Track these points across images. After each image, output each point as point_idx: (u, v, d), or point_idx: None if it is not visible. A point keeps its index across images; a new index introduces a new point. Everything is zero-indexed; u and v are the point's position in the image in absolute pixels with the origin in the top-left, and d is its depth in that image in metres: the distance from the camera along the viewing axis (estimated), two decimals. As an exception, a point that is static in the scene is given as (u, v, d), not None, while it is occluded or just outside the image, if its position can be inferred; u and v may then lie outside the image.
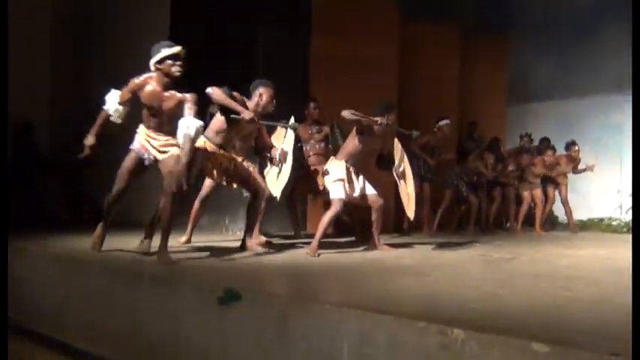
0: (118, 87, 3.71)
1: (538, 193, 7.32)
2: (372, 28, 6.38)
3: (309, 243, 4.31)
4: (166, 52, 3.56)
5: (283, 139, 4.48)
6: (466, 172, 6.88)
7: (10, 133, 5.29)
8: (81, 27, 7.29)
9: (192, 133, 3.49)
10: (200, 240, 4.73)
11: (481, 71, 8.05)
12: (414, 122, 6.18)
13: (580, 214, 7.74)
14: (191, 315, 2.79)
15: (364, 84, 5.90)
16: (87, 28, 7.33)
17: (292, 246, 4.75)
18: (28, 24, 6.42)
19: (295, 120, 4.37)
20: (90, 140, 3.71)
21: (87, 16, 7.36)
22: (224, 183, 4.30)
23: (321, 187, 4.89)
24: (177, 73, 3.58)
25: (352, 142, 4.36)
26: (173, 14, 6.57)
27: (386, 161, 4.51)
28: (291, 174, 4.46)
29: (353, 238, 5.19)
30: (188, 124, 3.50)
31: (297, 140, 5.01)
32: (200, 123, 3.57)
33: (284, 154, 4.26)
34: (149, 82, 3.61)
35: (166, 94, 3.61)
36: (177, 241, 4.42)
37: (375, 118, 4.25)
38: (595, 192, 7.88)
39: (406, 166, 4.49)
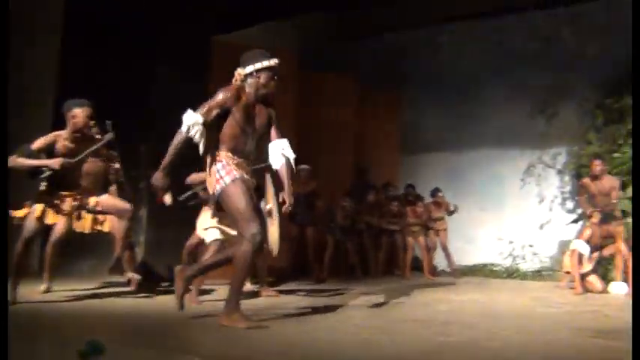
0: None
1: (421, 239, 7.60)
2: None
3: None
4: (266, 63, 3.18)
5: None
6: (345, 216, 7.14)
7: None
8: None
9: None
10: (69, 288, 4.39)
11: (376, 122, 8.47)
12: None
13: (466, 260, 8.09)
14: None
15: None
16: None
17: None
18: None
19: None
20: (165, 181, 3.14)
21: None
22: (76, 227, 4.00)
23: None
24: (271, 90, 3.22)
25: None
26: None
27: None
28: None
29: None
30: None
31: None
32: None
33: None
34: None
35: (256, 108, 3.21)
36: (35, 291, 4.09)
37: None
38: (479, 239, 8.29)
39: (274, 205, 4.31)
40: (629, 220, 6.39)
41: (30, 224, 3.72)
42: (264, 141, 3.29)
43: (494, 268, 7.98)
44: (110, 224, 4.08)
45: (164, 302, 4.04)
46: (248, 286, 4.73)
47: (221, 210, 3.22)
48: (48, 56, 5.87)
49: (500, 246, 8.16)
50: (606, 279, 5.95)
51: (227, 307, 3.05)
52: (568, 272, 5.99)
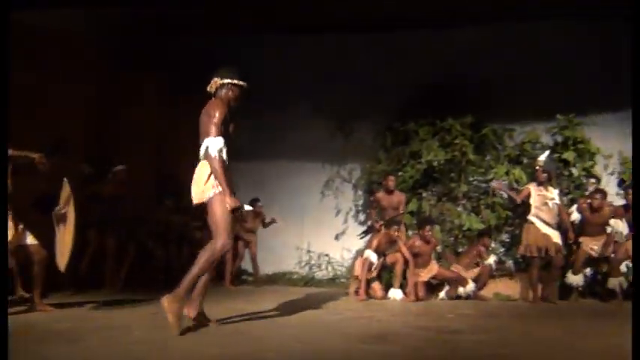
0: None
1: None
2: (71, 67, 6.25)
3: None
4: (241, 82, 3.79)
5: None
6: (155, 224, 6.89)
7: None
8: None
9: None
10: None
11: (188, 125, 8.23)
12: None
13: (267, 269, 8.28)
14: None
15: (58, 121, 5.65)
16: None
17: None
18: None
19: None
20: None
21: None
22: None
23: None
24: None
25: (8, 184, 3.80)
26: None
27: (47, 204, 4.07)
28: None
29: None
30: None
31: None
32: None
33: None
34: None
35: None
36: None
37: (33, 155, 3.82)
38: (280, 248, 8.54)
39: (70, 211, 4.04)
40: (410, 232, 7.17)
41: None
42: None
43: (293, 277, 8.28)
44: None
45: None
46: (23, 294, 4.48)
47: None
48: None
49: (299, 255, 8.51)
50: (388, 286, 6.55)
51: (174, 293, 3.38)
52: (357, 277, 6.48)
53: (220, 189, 3.47)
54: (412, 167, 7.61)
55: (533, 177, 6.79)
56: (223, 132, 3.56)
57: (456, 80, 8.19)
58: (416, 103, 8.10)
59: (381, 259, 6.51)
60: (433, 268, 6.56)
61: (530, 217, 6.33)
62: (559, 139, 7.49)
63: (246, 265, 8.29)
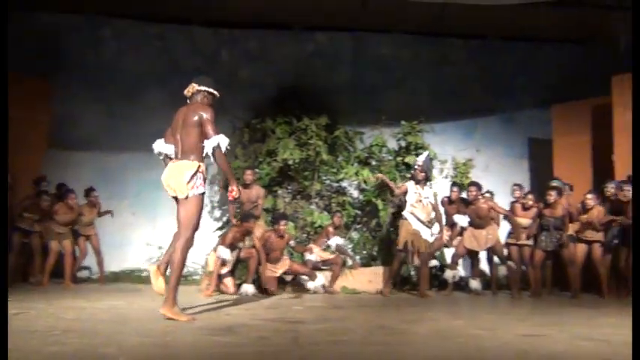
0: None
1: (67, 243, 7.10)
2: None
3: None
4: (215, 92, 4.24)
5: None
6: None
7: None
8: None
9: None
10: None
11: (22, 110, 7.52)
12: None
13: (114, 266, 7.88)
14: None
15: None
16: None
17: None
18: None
19: None
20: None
21: None
22: None
23: None
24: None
25: None
26: None
27: None
28: None
29: None
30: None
31: None
32: None
33: None
34: None
35: None
36: None
37: None
38: (128, 244, 8.19)
39: None
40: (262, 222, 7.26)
41: None
42: None
43: (142, 275, 7.96)
44: None
45: None
46: None
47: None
48: None
49: (150, 251, 8.20)
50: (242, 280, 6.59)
51: (169, 300, 3.83)
52: (211, 272, 6.43)
53: (200, 191, 3.97)
54: (268, 165, 7.75)
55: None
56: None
57: (313, 82, 8.53)
58: (274, 102, 8.27)
59: (236, 252, 6.53)
60: (286, 263, 6.73)
61: (404, 213, 6.62)
62: (403, 143, 8.10)
63: (90, 262, 7.81)
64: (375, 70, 8.99)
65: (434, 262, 7.33)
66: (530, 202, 6.98)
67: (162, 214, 8.37)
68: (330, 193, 8.16)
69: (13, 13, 7.95)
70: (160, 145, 4.24)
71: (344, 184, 8.24)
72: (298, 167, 7.76)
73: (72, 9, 8.28)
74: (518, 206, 7.07)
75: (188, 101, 4.18)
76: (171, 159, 4.14)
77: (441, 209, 7.02)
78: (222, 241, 6.58)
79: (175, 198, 4.08)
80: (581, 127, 8.14)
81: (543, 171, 8.49)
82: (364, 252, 7.98)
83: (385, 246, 7.84)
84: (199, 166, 3.95)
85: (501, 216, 7.25)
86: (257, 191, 7.02)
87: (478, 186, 6.93)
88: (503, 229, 7.43)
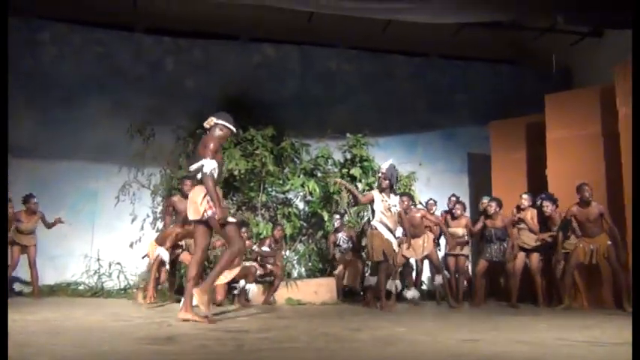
0: None
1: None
2: None
3: None
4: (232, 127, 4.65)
5: None
6: None
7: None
8: None
9: None
10: None
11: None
12: None
13: (48, 279, 7.55)
14: None
15: None
16: None
17: None
18: None
19: None
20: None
21: None
22: None
23: None
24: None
25: None
26: None
27: None
28: None
29: None
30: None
31: None
32: None
33: None
34: None
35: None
36: None
37: None
38: (65, 256, 7.88)
39: None
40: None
41: None
42: None
43: (79, 287, 7.68)
44: None
45: None
46: None
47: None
48: None
49: (88, 264, 7.92)
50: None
51: (201, 289, 4.34)
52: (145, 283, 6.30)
53: (211, 213, 4.30)
54: (213, 175, 7.65)
55: (376, 185, 7.05)
56: (216, 159, 4.39)
57: (260, 94, 8.55)
58: (220, 112, 8.20)
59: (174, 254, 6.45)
60: (233, 270, 6.65)
61: (374, 223, 6.27)
62: (348, 155, 8.21)
63: (22, 273, 7.43)
64: (322, 83, 9.12)
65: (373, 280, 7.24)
66: (459, 212, 7.20)
67: (100, 225, 8.15)
68: (276, 204, 8.16)
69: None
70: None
71: (290, 195, 8.26)
72: (244, 178, 7.72)
73: (9, 11, 7.95)
74: (448, 216, 7.30)
75: (207, 132, 4.61)
76: None
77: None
78: (161, 240, 6.39)
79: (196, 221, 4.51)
80: (517, 143, 8.51)
81: (482, 185, 8.80)
82: (310, 264, 8.00)
83: (331, 260, 7.90)
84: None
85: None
86: None
87: (410, 196, 7.05)
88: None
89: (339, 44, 9.18)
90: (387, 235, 6.23)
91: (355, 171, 7.94)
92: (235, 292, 6.74)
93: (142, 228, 8.27)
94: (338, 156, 8.38)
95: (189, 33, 8.73)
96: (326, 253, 7.90)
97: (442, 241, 7.61)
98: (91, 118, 8.20)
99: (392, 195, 6.38)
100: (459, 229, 7.19)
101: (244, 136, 7.85)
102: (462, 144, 9.43)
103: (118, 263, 7.98)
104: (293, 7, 5.82)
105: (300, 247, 8.17)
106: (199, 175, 4.40)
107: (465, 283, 7.47)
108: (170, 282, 6.64)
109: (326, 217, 7.80)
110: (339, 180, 7.20)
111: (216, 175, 4.39)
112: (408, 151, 9.14)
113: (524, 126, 8.48)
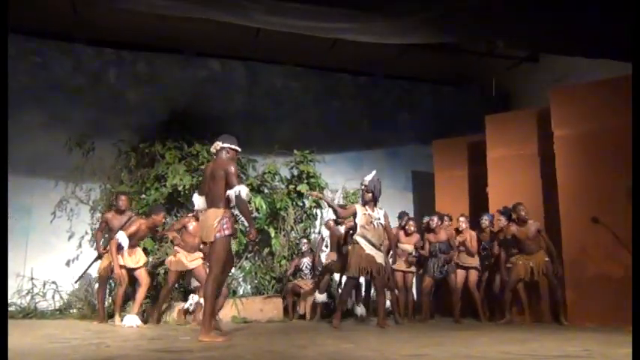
0: None
1: None
2: None
3: None
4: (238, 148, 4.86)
5: None
6: None
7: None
8: None
9: None
10: None
11: None
12: None
13: (-25, 300, 7.08)
14: None
15: None
16: None
17: None
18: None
19: None
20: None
21: None
22: None
23: None
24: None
25: None
26: None
27: None
28: None
29: None
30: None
31: None
32: None
33: None
34: None
35: None
36: None
37: None
38: (-5, 275, 7.42)
39: None
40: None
41: None
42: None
43: (11, 309, 7.23)
44: None
45: None
46: None
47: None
48: None
49: (20, 283, 7.50)
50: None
51: (204, 327, 4.47)
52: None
53: (226, 233, 4.54)
54: (157, 190, 7.47)
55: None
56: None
57: (206, 109, 8.44)
58: (164, 126, 8.06)
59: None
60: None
61: (356, 237, 6.06)
62: (295, 172, 8.20)
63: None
64: (268, 99, 9.10)
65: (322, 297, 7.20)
66: (412, 228, 7.32)
67: (34, 242, 7.76)
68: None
69: None
70: (198, 201, 4.86)
71: (235, 211, 8.13)
72: (188, 194, 7.55)
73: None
74: (401, 232, 7.39)
75: (214, 157, 4.80)
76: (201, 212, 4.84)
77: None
78: (125, 229, 6.26)
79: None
80: (459, 161, 8.75)
81: (426, 202, 8.98)
82: (255, 281, 7.89)
83: (277, 274, 7.82)
84: (224, 212, 4.56)
85: None
86: (129, 217, 6.63)
87: (333, 208, 6.67)
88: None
89: (285, 61, 9.20)
90: (369, 249, 5.99)
91: (302, 187, 7.93)
92: (189, 307, 6.58)
93: (80, 245, 7.92)
94: (285, 172, 8.35)
95: (132, 45, 8.54)
96: (272, 268, 7.82)
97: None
98: (26, 130, 7.82)
99: (376, 208, 6.18)
100: (410, 247, 7.29)
101: (189, 151, 7.71)
102: (406, 162, 9.61)
103: (54, 282, 7.60)
104: (235, 21, 5.78)
105: (247, 264, 8.05)
106: (234, 199, 4.52)
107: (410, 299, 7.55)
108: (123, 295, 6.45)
109: (272, 234, 7.73)
110: (313, 192, 7.15)
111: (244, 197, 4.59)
112: (354, 169, 9.21)
113: (465, 145, 8.74)
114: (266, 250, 7.95)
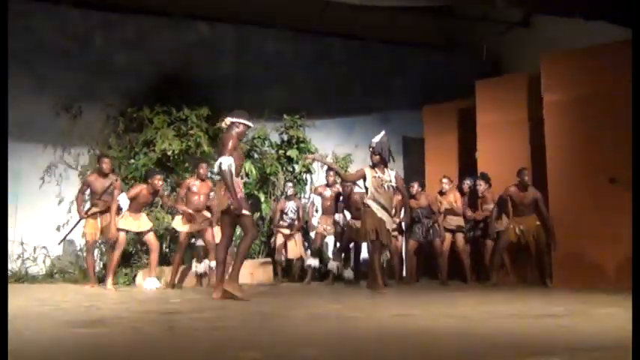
0: None
1: None
2: None
3: None
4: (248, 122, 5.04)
5: None
6: None
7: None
8: None
9: None
10: None
11: None
12: None
13: (-34, 265, 7.10)
14: None
15: None
16: None
17: None
18: None
19: None
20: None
21: None
22: None
23: None
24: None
25: None
26: None
27: None
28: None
29: None
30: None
31: None
32: None
33: None
34: None
35: None
36: None
37: None
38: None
39: None
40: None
41: None
42: None
43: (1, 272, 7.28)
44: None
45: None
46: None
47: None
48: None
49: (11, 248, 7.50)
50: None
51: (230, 278, 4.80)
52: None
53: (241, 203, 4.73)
54: (145, 155, 7.44)
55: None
56: (234, 156, 4.74)
57: (195, 73, 8.34)
58: (152, 91, 7.96)
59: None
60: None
61: (367, 201, 5.85)
62: (285, 137, 8.17)
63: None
64: (258, 63, 8.98)
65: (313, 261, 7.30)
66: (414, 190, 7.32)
67: (23, 207, 7.72)
68: (212, 185, 8.01)
69: None
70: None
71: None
72: (178, 159, 7.54)
73: None
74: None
75: (224, 132, 4.97)
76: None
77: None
78: (127, 192, 6.47)
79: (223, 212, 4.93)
80: (449, 127, 8.75)
81: (417, 167, 9.01)
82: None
83: (267, 239, 7.88)
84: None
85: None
86: (112, 180, 6.57)
87: (335, 171, 6.72)
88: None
89: (276, 25, 9.06)
90: (380, 213, 5.79)
91: (292, 152, 7.93)
92: (199, 270, 6.70)
93: (70, 210, 7.89)
94: (275, 137, 8.32)
95: (120, 7, 8.36)
96: (262, 232, 7.87)
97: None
98: (12, 94, 7.65)
99: (386, 170, 5.91)
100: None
101: (178, 116, 7.65)
102: (397, 127, 9.56)
103: (44, 247, 7.61)
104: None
105: (237, 228, 8.07)
106: (216, 170, 4.76)
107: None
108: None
109: (262, 199, 7.75)
110: (311, 155, 7.11)
111: (234, 170, 4.72)
112: (345, 133, 9.19)
113: (456, 110, 8.72)
114: (256, 215, 7.98)
